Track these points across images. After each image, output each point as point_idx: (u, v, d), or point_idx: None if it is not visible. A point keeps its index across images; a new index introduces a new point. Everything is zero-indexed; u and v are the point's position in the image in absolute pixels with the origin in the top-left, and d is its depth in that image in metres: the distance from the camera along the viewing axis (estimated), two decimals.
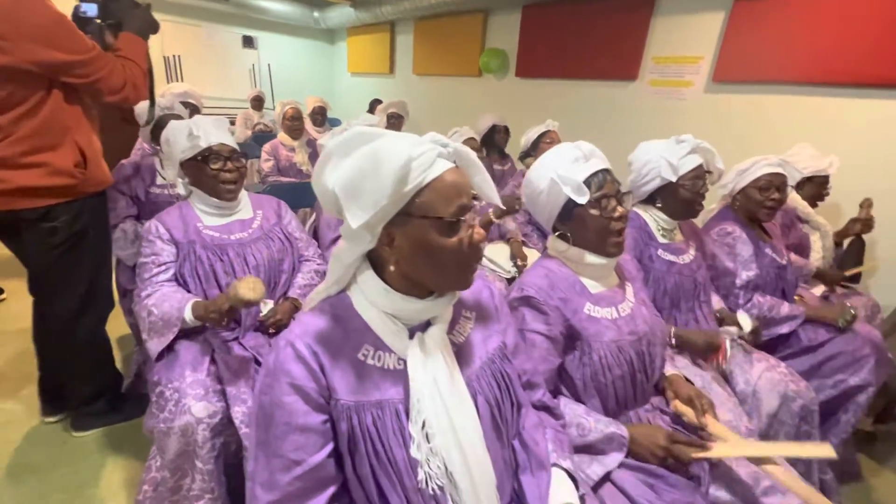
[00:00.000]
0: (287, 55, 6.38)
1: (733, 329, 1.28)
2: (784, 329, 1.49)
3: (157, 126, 1.86)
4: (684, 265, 1.32)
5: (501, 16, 4.12)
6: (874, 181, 2.20)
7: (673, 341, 1.22)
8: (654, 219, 1.36)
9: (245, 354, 1.22)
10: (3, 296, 2.57)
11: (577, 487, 0.74)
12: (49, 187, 1.30)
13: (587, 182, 0.93)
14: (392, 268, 0.64)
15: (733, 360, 1.34)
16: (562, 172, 0.94)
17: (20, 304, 1.63)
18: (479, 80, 4.46)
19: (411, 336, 0.66)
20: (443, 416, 0.62)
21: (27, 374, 1.79)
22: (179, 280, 1.27)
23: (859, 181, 2.20)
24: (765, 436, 1.26)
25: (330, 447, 0.62)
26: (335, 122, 4.73)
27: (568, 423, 0.89)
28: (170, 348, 1.21)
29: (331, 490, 0.62)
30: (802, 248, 2.01)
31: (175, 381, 1.11)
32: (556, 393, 0.97)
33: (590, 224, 0.94)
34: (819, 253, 2.00)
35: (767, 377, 1.27)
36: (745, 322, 1.28)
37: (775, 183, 1.51)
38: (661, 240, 1.34)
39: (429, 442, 0.61)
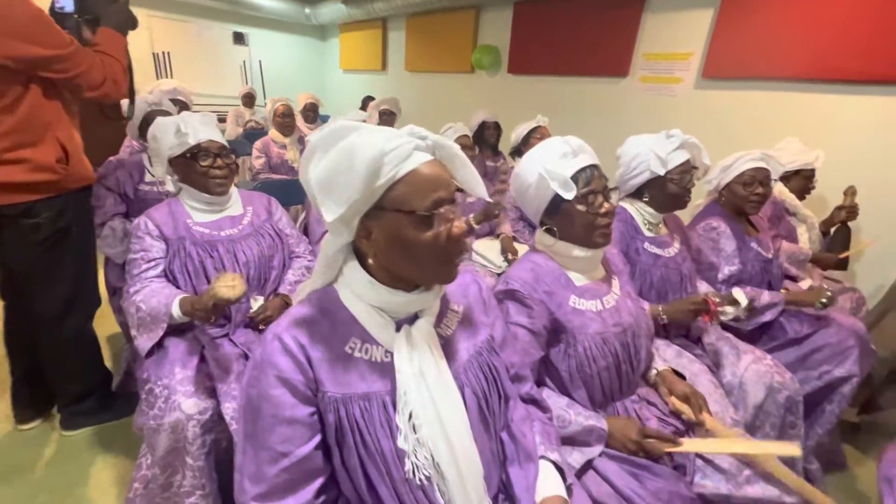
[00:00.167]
0: (278, 52, 6.34)
1: (730, 309, 1.28)
2: (767, 317, 1.51)
3: (145, 122, 1.84)
4: (670, 258, 1.33)
5: (493, 12, 4.12)
6: (859, 174, 2.23)
7: (664, 318, 1.23)
8: (639, 212, 1.37)
9: (235, 351, 1.22)
10: None
11: (564, 479, 0.75)
12: (30, 183, 1.29)
13: (575, 177, 0.94)
14: (371, 261, 0.65)
15: (721, 352, 1.36)
16: (550, 167, 0.95)
17: None
18: (472, 77, 4.46)
19: (398, 329, 0.66)
20: (429, 407, 0.63)
21: None
22: (169, 276, 1.27)
23: (845, 174, 2.23)
24: (751, 426, 1.28)
25: (317, 439, 0.63)
26: (327, 120, 4.71)
27: None
28: (159, 345, 1.21)
29: (318, 482, 0.63)
30: (790, 240, 2.04)
31: (164, 378, 1.11)
32: (539, 384, 0.98)
33: (576, 219, 0.95)
34: (806, 244, 2.04)
35: (754, 369, 1.29)
36: (741, 297, 1.28)
37: (758, 178, 1.53)
38: (647, 233, 1.36)
39: (416, 433, 0.62)
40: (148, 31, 5.09)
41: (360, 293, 0.66)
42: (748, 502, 0.87)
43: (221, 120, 5.02)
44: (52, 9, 1.36)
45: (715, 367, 1.34)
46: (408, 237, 0.61)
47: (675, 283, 1.33)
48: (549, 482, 0.72)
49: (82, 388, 1.58)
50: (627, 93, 3.26)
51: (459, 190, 0.66)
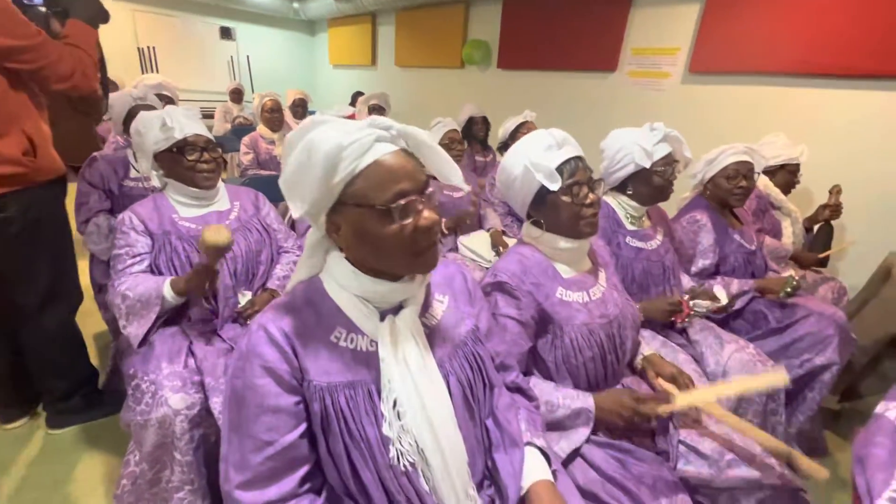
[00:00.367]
0: (266, 47, 6.28)
1: (705, 303, 1.31)
2: (738, 304, 1.55)
3: (130, 117, 1.82)
4: (652, 251, 1.35)
5: (482, 7, 4.11)
6: (844, 169, 2.28)
7: (641, 316, 1.25)
8: (622, 206, 1.39)
9: (223, 346, 1.22)
10: None
11: (549, 464, 0.77)
12: None
13: (559, 169, 0.95)
14: (344, 254, 0.65)
15: (705, 342, 1.39)
16: (535, 159, 0.95)
17: None
18: (462, 72, 4.46)
19: (383, 318, 0.67)
20: (413, 395, 0.63)
21: None
22: (155, 272, 1.26)
23: (830, 169, 2.28)
24: (734, 413, 1.30)
25: (302, 428, 0.63)
26: None
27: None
28: (145, 341, 1.20)
29: (303, 470, 0.63)
30: (774, 234, 2.08)
31: (151, 373, 1.11)
32: (527, 374, 0.99)
33: (562, 210, 0.96)
34: (790, 238, 2.07)
35: (737, 358, 1.31)
36: (721, 294, 1.32)
37: (742, 171, 1.56)
38: (629, 227, 1.38)
39: (400, 420, 0.63)
40: (132, 26, 5.01)
41: (344, 283, 0.66)
42: (730, 486, 0.89)
43: (209, 116, 4.96)
44: (19, 1, 1.34)
45: (699, 356, 1.36)
46: (372, 231, 0.61)
47: (658, 275, 1.35)
48: (535, 467, 0.73)
49: (68, 384, 1.57)
50: (616, 87, 3.28)
51: (432, 177, 0.65)
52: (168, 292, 1.17)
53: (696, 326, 1.43)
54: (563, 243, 0.99)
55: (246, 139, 3.07)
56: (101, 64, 1.44)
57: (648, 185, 1.31)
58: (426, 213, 0.62)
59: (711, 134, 2.57)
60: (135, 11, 5.01)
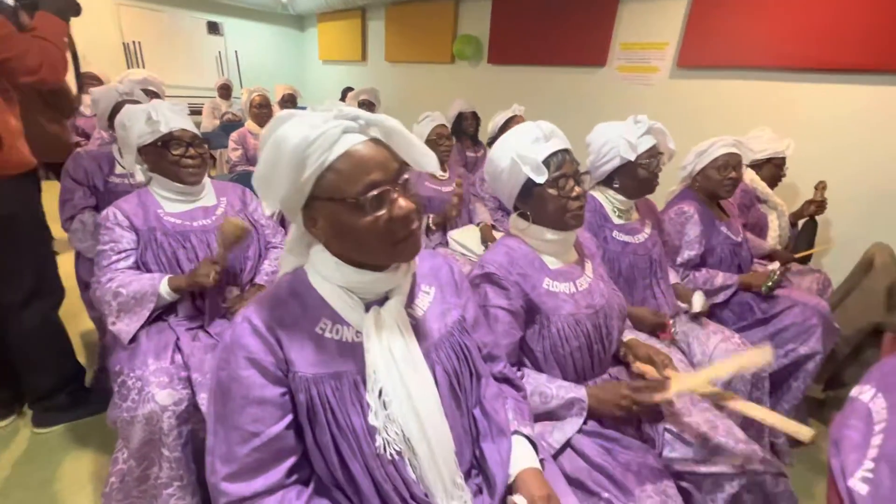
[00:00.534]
0: (255, 42, 6.20)
1: (684, 305, 1.35)
2: (720, 298, 1.59)
3: (115, 112, 1.79)
4: (639, 244, 1.36)
5: (472, 2, 4.10)
6: (830, 162, 2.31)
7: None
8: (609, 200, 1.40)
9: (211, 342, 1.21)
10: None
11: (537, 453, 0.77)
12: None
13: (546, 162, 0.95)
14: (324, 248, 0.65)
15: (692, 333, 1.41)
16: (522, 152, 0.96)
17: None
18: (453, 67, 4.45)
19: (368, 310, 0.67)
20: (398, 384, 0.63)
21: None
22: (142, 268, 1.25)
23: (817, 162, 2.31)
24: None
25: (288, 419, 0.63)
26: None
27: (531, 392, 0.93)
28: (133, 338, 1.19)
29: (289, 461, 0.63)
30: (761, 228, 2.11)
31: (137, 369, 1.10)
32: (519, 365, 1.00)
33: (548, 203, 0.97)
34: (776, 231, 2.10)
35: (722, 347, 1.34)
36: (697, 302, 1.36)
37: (731, 162, 1.58)
38: (616, 221, 1.39)
39: (386, 409, 0.63)
40: (117, 20, 4.92)
41: (328, 275, 0.66)
42: (714, 471, 0.91)
43: (197, 112, 4.90)
44: None
45: (686, 347, 1.38)
46: (347, 224, 0.60)
47: (644, 269, 1.36)
48: (522, 456, 0.74)
49: (53, 381, 1.55)
50: (605, 82, 3.30)
51: (405, 165, 0.64)
52: (165, 290, 1.17)
53: (682, 318, 1.45)
54: (550, 235, 1.00)
55: (234, 135, 3.04)
56: (74, 58, 1.41)
57: (634, 178, 1.32)
58: (401, 202, 0.61)
59: (699, 128, 2.59)
60: (119, 6, 4.92)
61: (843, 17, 2.22)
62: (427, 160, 0.66)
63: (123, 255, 1.22)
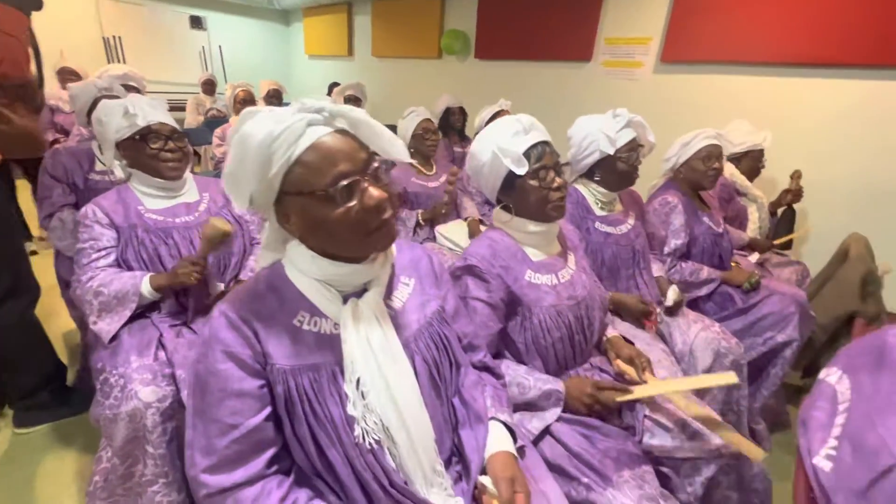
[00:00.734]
0: (240, 37, 6.11)
1: (662, 298, 1.38)
2: (703, 291, 1.63)
3: (95, 108, 1.76)
4: (621, 235, 1.39)
5: None
6: (809, 155, 2.36)
7: (611, 307, 1.29)
8: (591, 192, 1.42)
9: (194, 338, 1.20)
10: None
11: (514, 439, 0.79)
12: None
13: (527, 154, 0.97)
14: (300, 242, 0.65)
15: (673, 322, 1.43)
16: (503, 145, 0.97)
17: None
18: (440, 62, 4.43)
19: (346, 302, 0.67)
20: (376, 374, 0.64)
21: None
22: (123, 265, 1.23)
23: (797, 156, 2.35)
24: (701, 390, 1.35)
25: (267, 411, 0.63)
26: None
27: (509, 383, 0.94)
28: (115, 336, 1.18)
29: (269, 452, 0.64)
30: (741, 221, 2.14)
31: (120, 366, 1.09)
32: (498, 356, 1.01)
33: (530, 194, 0.98)
34: (756, 224, 2.15)
35: (702, 336, 1.36)
36: (671, 296, 1.39)
37: (714, 153, 1.62)
38: (599, 212, 1.41)
39: (364, 399, 0.63)
40: (96, 14, 4.81)
41: (304, 269, 0.67)
42: (691, 456, 0.93)
43: (181, 108, 4.83)
44: None
45: (667, 336, 1.41)
46: (319, 217, 0.60)
47: (627, 259, 1.38)
48: (497, 440, 0.75)
49: (34, 380, 1.53)
50: (591, 77, 3.32)
51: (375, 154, 0.65)
52: (146, 289, 1.16)
53: (658, 312, 1.48)
54: (532, 227, 1.01)
55: (218, 131, 3.01)
56: (36, 53, 1.38)
57: (613, 171, 1.34)
58: (372, 192, 0.61)
59: (683, 122, 2.61)
60: None
61: (825, 12, 2.25)
62: (396, 149, 0.66)
63: (104, 252, 1.20)
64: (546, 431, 0.92)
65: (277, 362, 0.63)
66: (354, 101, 3.44)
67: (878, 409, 0.52)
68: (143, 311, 1.24)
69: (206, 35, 5.81)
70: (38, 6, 1.41)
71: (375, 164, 0.64)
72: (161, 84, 5.22)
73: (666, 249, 1.60)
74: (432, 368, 0.73)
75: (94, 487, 1.09)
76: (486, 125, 2.53)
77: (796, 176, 2.20)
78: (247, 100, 3.04)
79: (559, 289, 1.01)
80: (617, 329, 1.19)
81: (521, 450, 0.79)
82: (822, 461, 0.57)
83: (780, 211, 2.28)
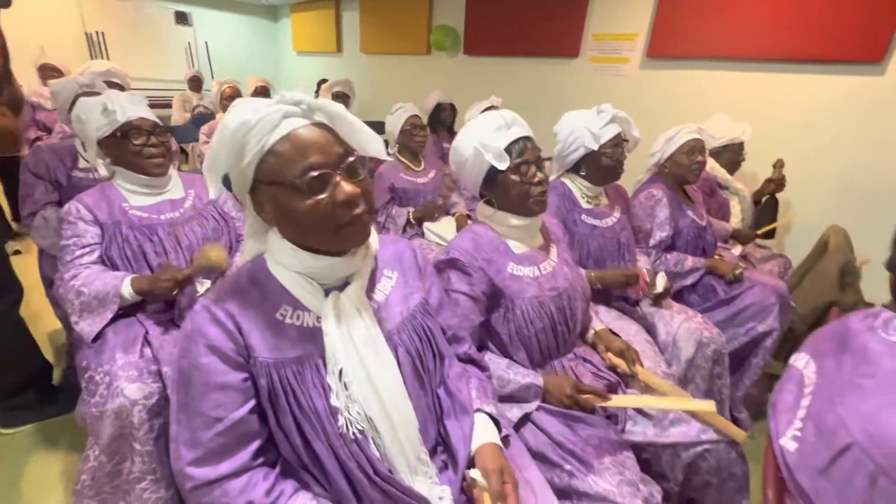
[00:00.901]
0: (226, 33, 6.03)
1: (659, 284, 1.39)
2: (689, 280, 1.65)
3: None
4: (607, 228, 1.41)
5: None
6: (794, 150, 2.39)
7: (598, 285, 1.31)
8: (578, 186, 1.44)
9: (180, 334, 1.20)
10: None
11: (499, 430, 0.80)
12: None
13: (508, 149, 0.98)
14: (280, 236, 0.66)
15: (657, 314, 1.46)
16: (485, 140, 0.98)
17: None
18: (429, 59, 4.42)
19: (328, 295, 0.68)
20: (358, 366, 0.65)
21: None
22: (107, 263, 1.22)
23: (780, 150, 2.38)
24: (683, 379, 1.38)
25: (251, 404, 0.64)
26: None
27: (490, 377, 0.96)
28: (99, 335, 1.17)
29: (255, 445, 0.64)
30: (723, 214, 2.18)
31: (105, 364, 1.08)
32: (482, 349, 1.03)
33: (512, 189, 0.99)
34: (738, 217, 2.18)
35: (685, 327, 1.39)
36: (660, 283, 1.41)
37: (697, 147, 1.65)
38: (585, 205, 1.43)
39: (347, 390, 0.64)
40: (78, 9, 4.72)
41: (285, 261, 0.67)
42: (672, 443, 0.96)
43: (167, 105, 4.77)
44: None
45: (651, 327, 1.43)
46: (289, 207, 0.61)
47: (613, 251, 1.41)
48: (483, 432, 0.77)
49: (18, 379, 1.51)
50: (578, 73, 3.33)
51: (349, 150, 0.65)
52: (127, 291, 1.14)
53: (647, 300, 1.51)
54: (515, 221, 1.02)
55: (205, 128, 2.98)
56: (3, 49, 1.35)
57: (598, 166, 1.36)
58: (344, 186, 0.61)
59: (669, 117, 2.63)
60: None
61: (809, 8, 2.27)
62: (373, 145, 0.67)
63: (87, 249, 1.19)
64: (529, 420, 0.93)
65: (260, 356, 0.64)
66: (343, 97, 3.43)
67: (838, 390, 0.55)
68: (129, 309, 1.23)
69: (192, 31, 5.73)
70: (7, 3, 1.39)
71: (351, 159, 0.64)
72: (146, 81, 5.14)
73: (651, 242, 1.62)
74: (416, 360, 0.74)
75: (81, 486, 1.08)
76: None
77: (779, 165, 2.23)
78: (233, 96, 3.00)
79: (541, 280, 1.03)
80: (604, 320, 1.21)
81: (505, 439, 0.80)
82: (788, 442, 0.60)
83: (763, 200, 2.31)
